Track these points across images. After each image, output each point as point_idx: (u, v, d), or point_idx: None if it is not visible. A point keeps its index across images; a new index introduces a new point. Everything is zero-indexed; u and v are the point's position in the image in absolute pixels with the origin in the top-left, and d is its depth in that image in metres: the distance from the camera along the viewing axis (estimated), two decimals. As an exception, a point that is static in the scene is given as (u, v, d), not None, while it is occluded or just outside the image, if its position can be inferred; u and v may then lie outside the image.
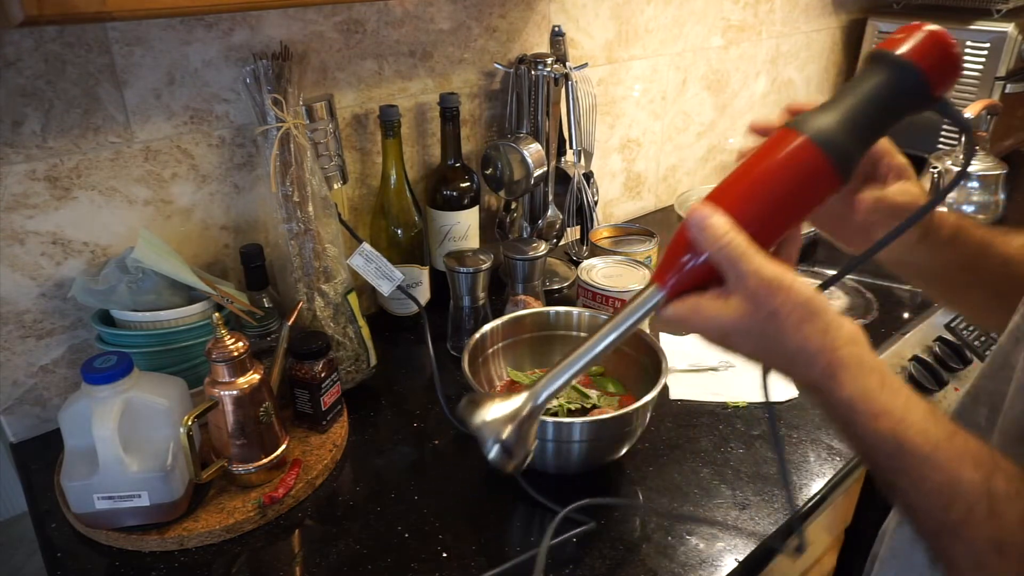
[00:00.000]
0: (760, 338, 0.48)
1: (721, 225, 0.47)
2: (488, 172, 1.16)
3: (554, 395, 0.54)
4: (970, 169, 1.39)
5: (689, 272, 0.51)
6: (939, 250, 0.63)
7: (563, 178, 1.24)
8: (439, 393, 0.92)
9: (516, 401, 0.54)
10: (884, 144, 0.59)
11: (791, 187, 0.49)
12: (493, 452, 0.53)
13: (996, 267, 0.64)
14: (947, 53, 0.51)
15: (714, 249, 0.48)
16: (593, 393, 0.89)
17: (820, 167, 0.49)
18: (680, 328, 0.52)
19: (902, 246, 0.60)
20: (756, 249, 0.47)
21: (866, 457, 0.48)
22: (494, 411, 0.54)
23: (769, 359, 0.50)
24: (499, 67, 1.16)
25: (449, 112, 1.07)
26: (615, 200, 1.53)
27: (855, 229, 0.61)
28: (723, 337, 0.50)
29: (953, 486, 0.44)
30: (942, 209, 0.60)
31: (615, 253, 1.11)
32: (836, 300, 1.22)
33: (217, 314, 0.75)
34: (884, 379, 0.47)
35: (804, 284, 0.48)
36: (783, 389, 0.98)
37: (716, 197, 0.50)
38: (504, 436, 0.52)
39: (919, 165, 0.97)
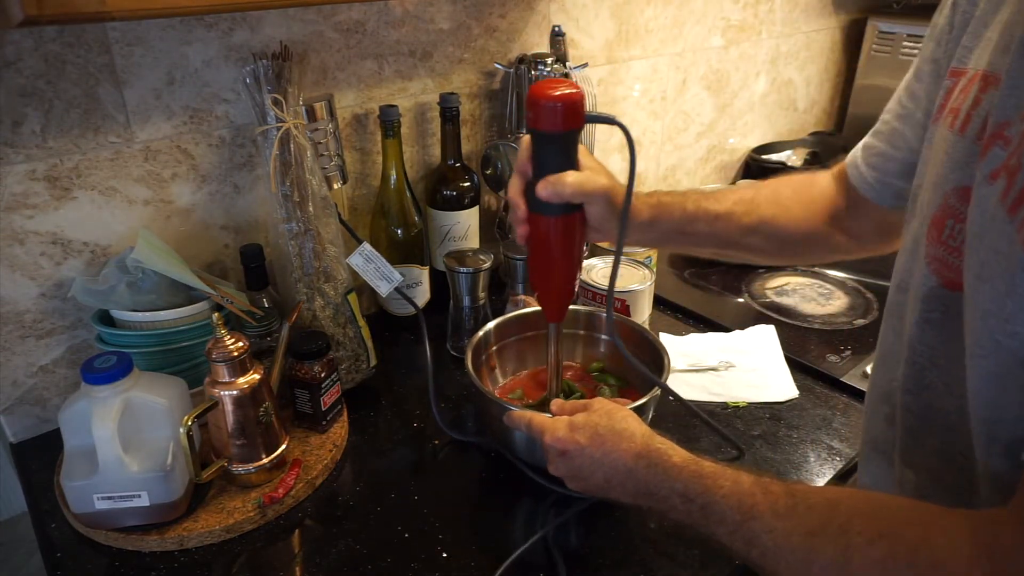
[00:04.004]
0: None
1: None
2: (488, 172, 1.16)
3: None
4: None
5: None
6: (646, 230, 0.74)
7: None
8: (432, 403, 0.90)
9: None
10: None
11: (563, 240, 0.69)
12: None
13: (709, 225, 0.75)
14: (543, 109, 0.62)
15: None
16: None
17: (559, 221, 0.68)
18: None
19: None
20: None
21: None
22: None
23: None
24: (499, 67, 1.16)
25: (449, 112, 1.07)
26: (615, 200, 1.53)
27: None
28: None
29: None
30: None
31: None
32: (836, 300, 1.22)
33: (217, 314, 0.75)
34: None
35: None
36: (783, 389, 0.98)
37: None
38: None
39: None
